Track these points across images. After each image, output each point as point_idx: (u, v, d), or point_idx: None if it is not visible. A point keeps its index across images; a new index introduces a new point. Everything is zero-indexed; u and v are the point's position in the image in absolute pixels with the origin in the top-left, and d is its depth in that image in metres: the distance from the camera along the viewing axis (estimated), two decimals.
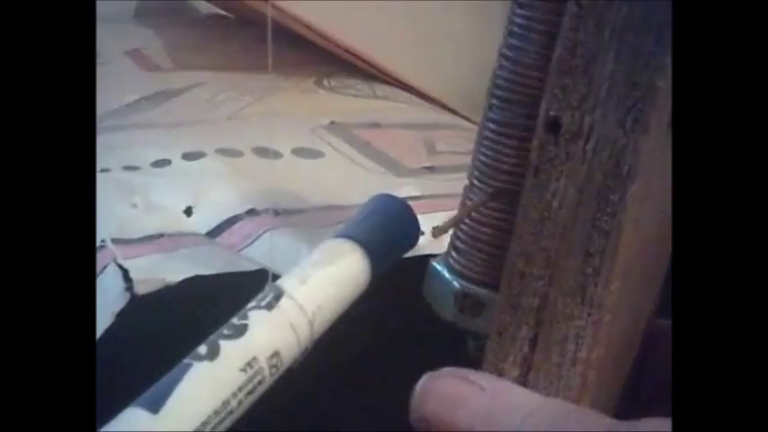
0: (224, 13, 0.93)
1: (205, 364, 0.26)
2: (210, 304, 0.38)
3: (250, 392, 0.27)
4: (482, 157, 0.30)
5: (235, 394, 0.26)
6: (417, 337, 0.42)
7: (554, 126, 0.26)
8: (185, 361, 0.27)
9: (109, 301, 0.38)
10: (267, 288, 0.31)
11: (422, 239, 0.42)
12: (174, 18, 0.92)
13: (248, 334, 0.28)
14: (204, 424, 0.25)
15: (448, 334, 0.31)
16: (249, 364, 0.27)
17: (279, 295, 0.30)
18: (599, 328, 0.26)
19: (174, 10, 0.97)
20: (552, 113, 0.26)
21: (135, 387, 0.40)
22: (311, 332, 0.30)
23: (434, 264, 0.32)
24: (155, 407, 0.25)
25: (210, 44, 0.81)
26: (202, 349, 0.28)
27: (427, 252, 0.41)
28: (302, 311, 0.30)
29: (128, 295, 0.38)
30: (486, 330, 0.29)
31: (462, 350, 0.31)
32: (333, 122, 0.59)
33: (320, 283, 0.32)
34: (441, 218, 0.44)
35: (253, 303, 0.31)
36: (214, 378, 0.26)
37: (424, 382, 0.27)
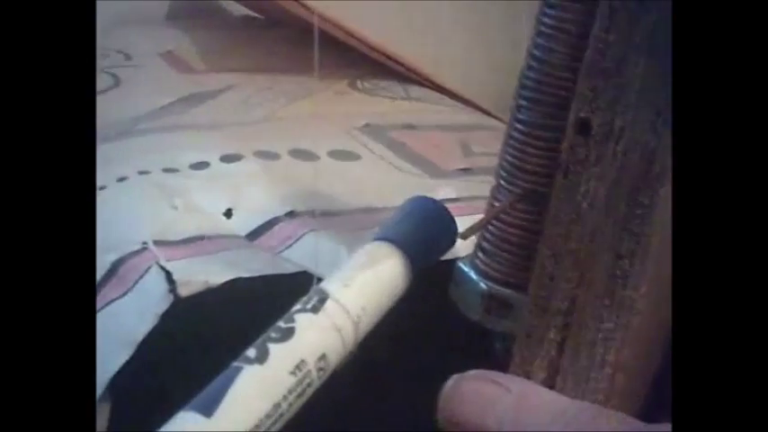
0: (255, 14, 0.93)
1: (255, 367, 0.27)
2: (252, 306, 0.38)
3: (299, 395, 0.27)
4: (509, 158, 0.30)
5: (285, 397, 0.27)
6: (442, 339, 0.42)
7: (584, 127, 0.26)
8: (235, 364, 0.27)
9: (152, 303, 0.38)
10: (312, 291, 0.31)
11: (458, 242, 0.42)
12: (206, 20, 0.93)
13: (296, 337, 0.28)
14: (256, 427, 0.25)
15: (473, 336, 0.31)
16: (298, 367, 0.27)
17: (324, 298, 0.31)
18: (628, 330, 0.26)
19: (205, 12, 0.97)
20: (582, 115, 0.26)
21: (178, 388, 0.40)
22: (356, 335, 0.30)
23: (461, 265, 0.32)
24: (208, 410, 0.25)
25: (242, 46, 0.81)
26: (251, 352, 0.28)
27: (463, 254, 0.41)
28: (347, 314, 0.30)
29: (171, 297, 0.38)
30: (512, 331, 0.29)
31: (487, 352, 0.31)
32: (368, 124, 0.59)
33: (363, 286, 0.32)
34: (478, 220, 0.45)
35: (298, 306, 0.31)
36: (265, 381, 0.26)
37: (453, 383, 0.27)
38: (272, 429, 0.26)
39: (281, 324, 0.30)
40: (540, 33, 0.28)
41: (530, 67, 0.29)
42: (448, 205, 0.44)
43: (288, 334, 0.29)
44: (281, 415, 0.27)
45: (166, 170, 0.50)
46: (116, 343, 0.38)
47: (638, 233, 0.26)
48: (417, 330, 0.44)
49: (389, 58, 0.71)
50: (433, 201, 0.36)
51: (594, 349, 0.27)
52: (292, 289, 0.34)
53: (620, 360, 0.26)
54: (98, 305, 0.41)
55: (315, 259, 0.41)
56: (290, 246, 0.43)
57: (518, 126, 0.29)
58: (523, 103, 0.29)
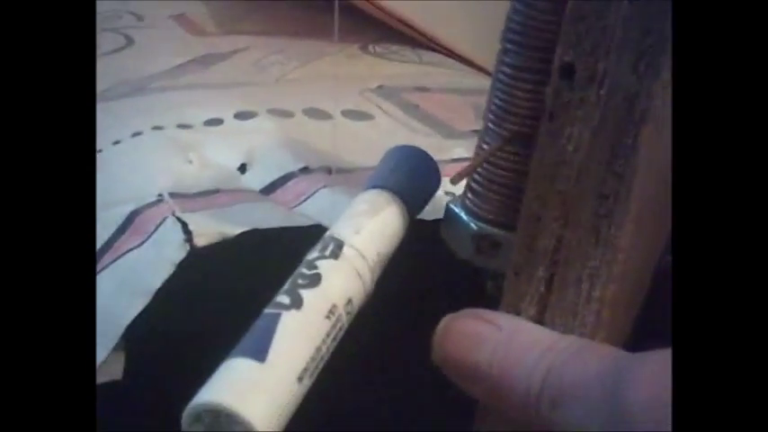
0: None
1: (293, 312, 0.27)
2: (267, 257, 0.38)
3: (334, 339, 0.28)
4: (497, 101, 0.30)
5: (324, 341, 0.27)
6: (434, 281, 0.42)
7: (568, 72, 0.26)
8: (270, 311, 0.28)
9: (168, 253, 0.39)
10: (326, 238, 0.32)
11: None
12: None
13: (324, 283, 0.29)
14: (305, 371, 0.26)
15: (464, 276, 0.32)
16: (331, 312, 0.28)
17: (340, 244, 0.31)
18: (613, 267, 0.27)
19: None
20: (566, 59, 0.26)
21: (193, 338, 0.41)
22: (372, 279, 0.31)
23: (451, 206, 0.32)
24: (260, 356, 0.25)
25: (254, 10, 0.81)
26: (284, 299, 0.28)
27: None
28: (364, 259, 0.31)
29: (187, 247, 0.38)
30: (502, 269, 0.29)
31: (478, 291, 0.32)
32: (381, 86, 0.59)
33: (373, 232, 0.32)
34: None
35: (316, 254, 0.31)
36: (305, 326, 0.27)
37: (445, 323, 0.28)
38: (316, 372, 0.27)
39: (305, 270, 0.30)
40: None
41: (515, 11, 0.29)
42: (462, 164, 0.44)
43: (315, 280, 0.29)
44: (322, 358, 0.27)
45: (181, 126, 0.50)
46: (132, 292, 0.39)
47: (621, 173, 0.26)
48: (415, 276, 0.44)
49: (402, 22, 0.71)
50: (418, 149, 0.36)
51: (581, 286, 0.27)
52: (307, 242, 0.34)
53: (606, 295, 0.27)
54: (114, 255, 0.41)
55: (329, 214, 0.41)
56: (305, 201, 0.43)
57: (505, 69, 0.30)
58: (509, 46, 0.29)
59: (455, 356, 0.27)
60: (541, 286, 0.28)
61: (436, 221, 0.34)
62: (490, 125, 0.31)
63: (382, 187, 0.33)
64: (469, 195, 0.32)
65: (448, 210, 0.33)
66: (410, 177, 0.34)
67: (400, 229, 0.32)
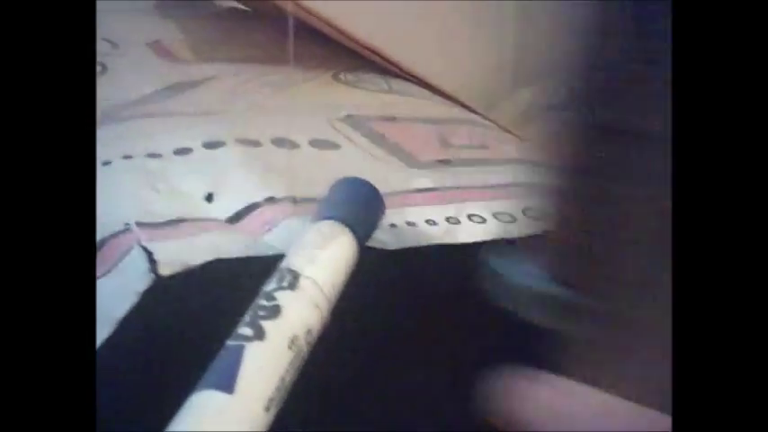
0: (243, 7, 0.94)
1: (257, 344, 0.28)
2: (231, 287, 0.39)
3: (297, 369, 0.29)
4: None
5: (287, 370, 0.28)
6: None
7: None
8: (233, 342, 0.28)
9: (133, 282, 0.39)
10: (282, 269, 0.32)
11: (434, 230, 0.44)
12: (195, 11, 0.94)
13: (284, 314, 0.30)
14: (271, 400, 0.27)
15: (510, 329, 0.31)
16: (293, 342, 0.29)
17: (296, 275, 0.32)
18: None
19: (193, 3, 0.98)
20: None
21: (157, 366, 0.41)
22: (329, 308, 0.32)
23: (498, 261, 0.33)
24: (228, 388, 0.26)
25: (230, 37, 0.82)
26: (247, 330, 0.29)
27: (436, 242, 0.42)
28: (320, 289, 0.32)
29: (151, 276, 0.39)
30: (572, 331, 0.29)
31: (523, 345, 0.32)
32: (349, 115, 0.60)
33: (327, 262, 0.33)
34: (452, 209, 0.46)
35: (273, 285, 0.32)
36: (270, 357, 0.28)
37: (497, 379, 0.29)
38: (281, 401, 0.28)
39: (264, 302, 0.31)
40: None
41: None
42: (423, 194, 0.45)
43: (275, 311, 0.30)
44: (286, 388, 0.28)
45: (150, 155, 0.51)
46: (97, 320, 0.39)
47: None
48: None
49: (375, 52, 0.72)
50: (365, 181, 0.37)
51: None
52: (270, 271, 0.35)
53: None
54: None
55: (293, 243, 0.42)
56: (270, 230, 0.44)
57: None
58: None
59: (507, 414, 0.28)
60: (597, 349, 0.28)
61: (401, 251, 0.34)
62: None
63: (332, 218, 0.33)
64: (536, 255, 0.31)
65: (500, 265, 0.32)
66: (358, 208, 0.35)
67: (352, 258, 0.33)
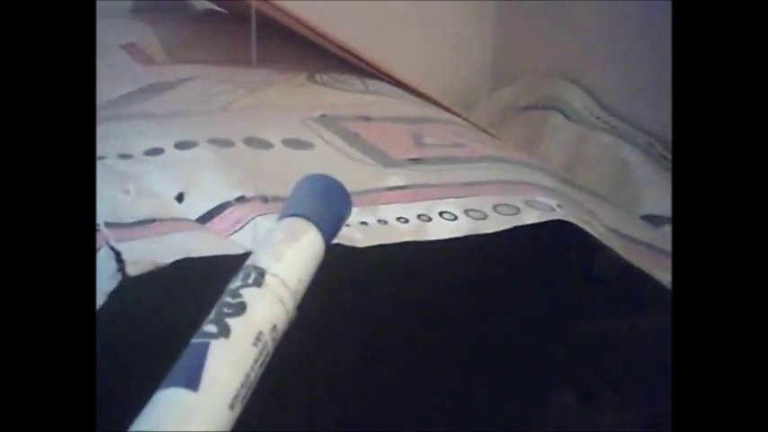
0: (219, 9, 0.94)
1: (222, 341, 0.28)
2: (200, 285, 0.39)
3: (261, 365, 0.29)
4: None
5: (252, 367, 0.28)
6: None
7: None
8: (198, 340, 0.28)
9: (101, 282, 0.39)
10: (248, 267, 0.32)
11: (405, 227, 0.44)
12: (170, 13, 0.94)
13: (249, 311, 0.30)
14: (236, 397, 0.27)
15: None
16: (258, 338, 0.29)
17: (262, 272, 0.32)
18: None
19: (169, 6, 0.98)
20: None
21: (125, 365, 0.41)
22: (294, 305, 0.31)
23: None
24: (193, 385, 0.26)
25: (205, 39, 0.82)
26: (212, 328, 0.29)
27: (407, 239, 0.42)
28: (285, 286, 0.31)
29: (119, 276, 0.39)
30: None
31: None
32: (323, 115, 0.60)
33: (293, 259, 0.33)
34: (424, 207, 0.46)
35: (239, 282, 0.32)
36: (234, 354, 0.28)
37: None
38: (246, 398, 0.28)
39: (230, 299, 0.31)
40: None
41: None
42: (396, 192, 0.45)
43: (240, 308, 0.30)
44: (251, 385, 0.28)
45: (121, 156, 0.51)
46: None
47: None
48: None
49: (350, 53, 0.72)
50: (331, 177, 0.37)
51: None
52: (239, 270, 0.35)
53: None
54: None
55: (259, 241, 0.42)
56: (240, 229, 0.44)
57: None
58: None
59: None
60: None
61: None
62: None
63: (299, 215, 0.33)
64: None
65: None
66: (324, 205, 0.35)
67: (318, 255, 0.33)
